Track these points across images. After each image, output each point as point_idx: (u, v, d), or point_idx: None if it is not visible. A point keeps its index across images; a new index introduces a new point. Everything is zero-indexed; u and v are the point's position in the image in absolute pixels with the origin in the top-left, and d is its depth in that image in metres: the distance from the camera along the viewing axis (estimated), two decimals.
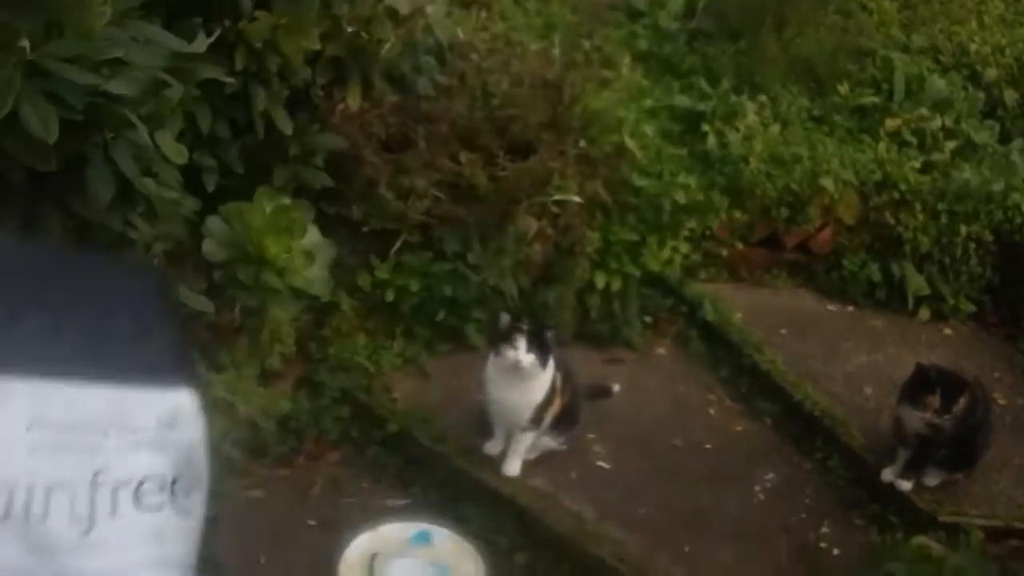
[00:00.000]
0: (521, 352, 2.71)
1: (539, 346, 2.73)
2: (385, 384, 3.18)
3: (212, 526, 1.87)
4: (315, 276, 2.75)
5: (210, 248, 2.62)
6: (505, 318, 2.81)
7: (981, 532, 2.77)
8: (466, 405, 3.16)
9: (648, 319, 3.76)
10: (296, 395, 3.05)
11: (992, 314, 4.03)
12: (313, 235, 2.83)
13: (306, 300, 3.02)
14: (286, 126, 2.87)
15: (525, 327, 2.75)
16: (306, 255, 2.68)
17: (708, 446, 3.16)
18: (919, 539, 2.74)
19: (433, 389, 3.23)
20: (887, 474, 2.94)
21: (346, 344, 3.21)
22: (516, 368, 2.71)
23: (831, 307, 3.99)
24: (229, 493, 2.75)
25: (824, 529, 2.88)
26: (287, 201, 2.81)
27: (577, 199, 3.54)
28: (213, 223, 2.66)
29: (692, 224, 3.84)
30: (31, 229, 1.81)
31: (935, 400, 2.77)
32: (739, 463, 3.10)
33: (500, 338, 2.77)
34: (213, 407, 2.65)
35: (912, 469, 2.91)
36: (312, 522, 2.75)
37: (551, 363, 2.81)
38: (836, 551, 2.80)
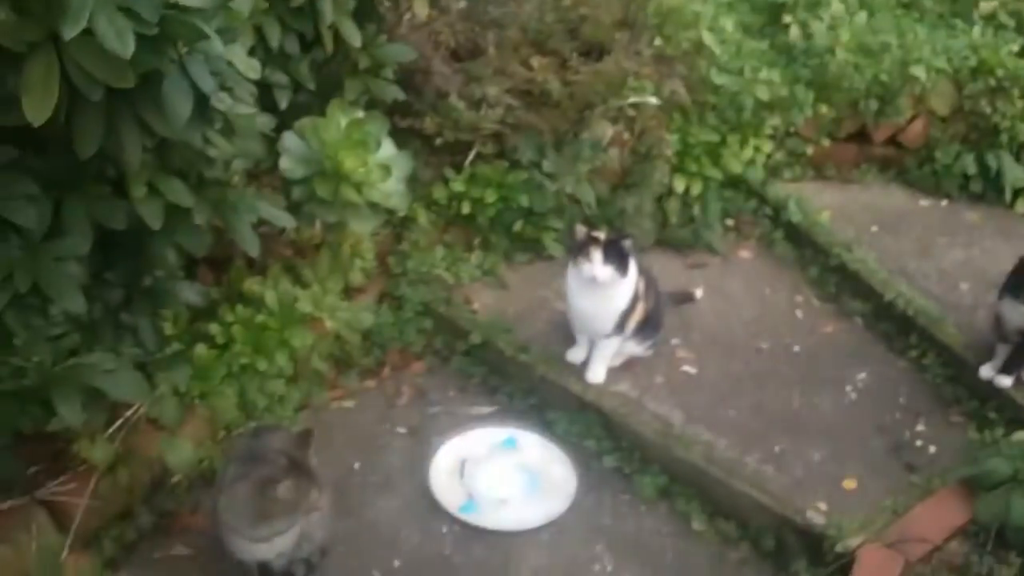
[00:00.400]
0: (597, 265, 2.66)
1: (617, 256, 2.68)
2: (465, 296, 3.18)
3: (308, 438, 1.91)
4: (392, 190, 2.74)
5: (287, 164, 2.62)
6: (581, 229, 2.75)
7: None
8: (547, 314, 3.15)
9: (730, 222, 3.66)
10: (378, 309, 3.07)
11: None
12: (388, 148, 2.81)
13: (384, 214, 3.02)
14: (355, 38, 2.83)
15: (602, 238, 2.69)
16: (382, 168, 2.66)
17: (796, 348, 3.09)
18: (1020, 435, 2.64)
19: (513, 299, 3.22)
20: (986, 371, 2.83)
21: (425, 257, 3.21)
22: (593, 281, 2.67)
23: (924, 202, 3.82)
24: (321, 405, 2.82)
25: (919, 427, 2.80)
26: (360, 114, 2.79)
27: (654, 100, 3.43)
28: (288, 139, 2.65)
29: (775, 122, 3.69)
30: (111, 148, 1.83)
31: None
32: (829, 364, 3.03)
33: (577, 250, 2.72)
34: (300, 323, 2.70)
35: (1012, 365, 2.79)
36: (401, 430, 2.80)
37: (632, 270, 2.75)
38: (932, 449, 2.72)
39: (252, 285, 2.79)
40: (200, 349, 2.64)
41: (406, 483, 2.62)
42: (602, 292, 2.72)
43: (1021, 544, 2.33)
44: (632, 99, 3.41)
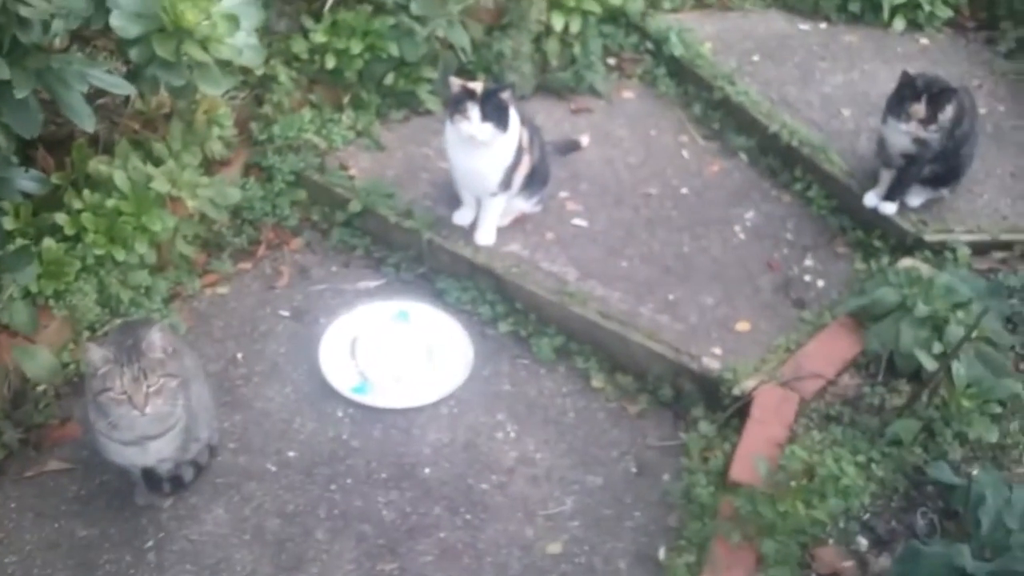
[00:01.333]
0: (475, 123, 2.49)
1: (496, 110, 2.50)
2: (340, 161, 2.96)
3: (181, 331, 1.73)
4: (243, 44, 2.43)
5: (118, 22, 2.27)
6: (455, 82, 2.54)
7: (967, 248, 2.72)
8: (429, 175, 2.98)
9: (612, 61, 3.50)
10: (246, 183, 2.83)
11: (969, 19, 3.80)
12: None
13: (238, 74, 2.72)
14: None
15: (478, 91, 2.50)
16: (229, 20, 2.35)
17: (684, 191, 3.03)
18: (906, 261, 2.69)
19: (391, 161, 3.02)
20: (870, 198, 2.84)
21: (291, 121, 2.95)
22: (472, 139, 2.50)
23: (803, 26, 3.73)
24: (193, 294, 2.62)
25: (808, 262, 2.82)
26: None
27: None
28: None
29: None
30: None
31: (921, 109, 2.62)
32: (717, 204, 2.99)
33: (453, 105, 2.53)
34: (157, 204, 2.45)
35: (896, 190, 2.81)
36: (284, 312, 2.64)
37: (514, 122, 2.59)
38: (821, 283, 2.75)
39: (98, 166, 2.50)
40: (48, 243, 2.37)
41: (294, 369, 2.49)
42: (484, 148, 2.56)
43: (910, 371, 2.40)
44: None
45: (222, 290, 2.67)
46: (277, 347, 2.54)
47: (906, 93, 2.66)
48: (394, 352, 2.55)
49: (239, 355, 2.51)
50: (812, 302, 2.69)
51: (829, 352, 2.51)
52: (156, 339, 1.91)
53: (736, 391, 2.39)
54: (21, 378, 2.27)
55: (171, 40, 2.33)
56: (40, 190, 2.23)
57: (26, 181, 2.17)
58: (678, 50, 3.43)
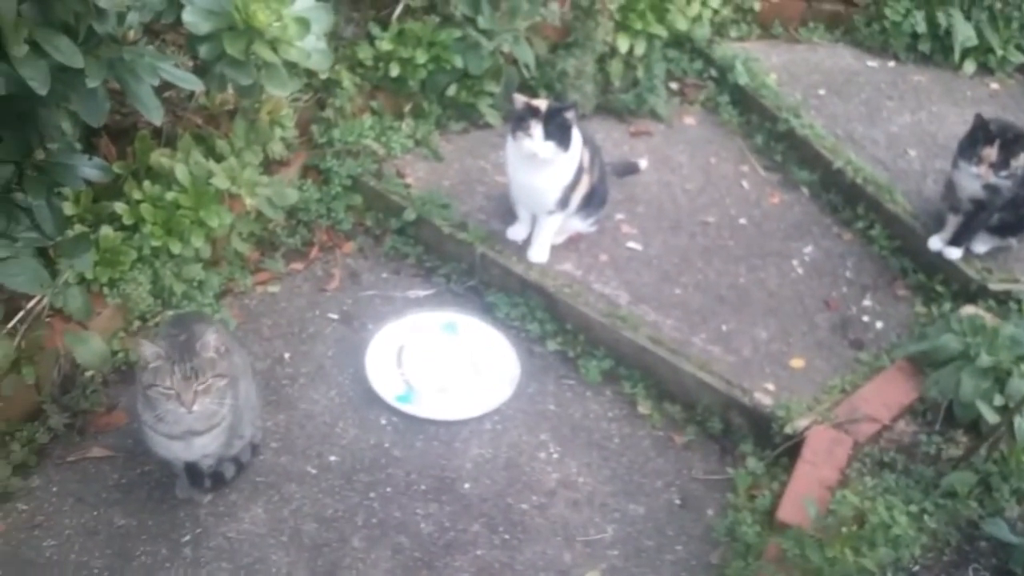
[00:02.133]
0: (537, 140, 2.47)
1: (558, 129, 2.48)
2: (397, 168, 2.96)
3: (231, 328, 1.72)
4: (311, 47, 2.44)
5: (191, 18, 2.29)
6: (520, 99, 2.52)
7: None
8: (485, 188, 2.96)
9: (674, 86, 3.48)
10: (303, 184, 2.83)
11: None
12: (305, 1, 2.50)
13: (303, 77, 2.74)
14: None
15: (542, 108, 2.47)
16: (299, 23, 2.36)
17: (743, 221, 2.98)
18: (969, 308, 2.61)
19: (448, 172, 3.01)
20: (935, 242, 2.78)
21: (351, 126, 2.96)
22: (534, 157, 2.48)
23: (871, 63, 3.69)
24: (244, 291, 2.62)
25: (866, 302, 2.75)
26: None
27: None
28: None
29: None
30: None
31: (993, 153, 2.56)
32: (776, 237, 2.94)
33: (515, 122, 2.51)
34: (216, 200, 2.46)
35: (962, 236, 2.74)
36: (333, 316, 2.62)
37: (576, 141, 2.57)
38: (879, 324, 2.69)
39: (160, 159, 2.52)
40: (106, 232, 2.39)
41: (340, 373, 2.47)
42: (544, 166, 2.54)
43: (969, 422, 2.33)
44: None
45: (273, 289, 2.67)
46: (324, 350, 2.52)
47: (979, 136, 2.60)
48: (441, 363, 2.53)
49: (286, 355, 2.50)
50: (870, 343, 2.63)
51: (886, 396, 2.44)
52: (211, 340, 1.90)
53: (788, 429, 2.33)
54: (71, 363, 2.28)
55: (241, 39, 2.35)
56: (102, 178, 2.23)
57: (89, 169, 2.18)
58: (743, 79, 3.39)
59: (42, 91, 1.80)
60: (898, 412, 2.40)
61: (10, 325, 2.20)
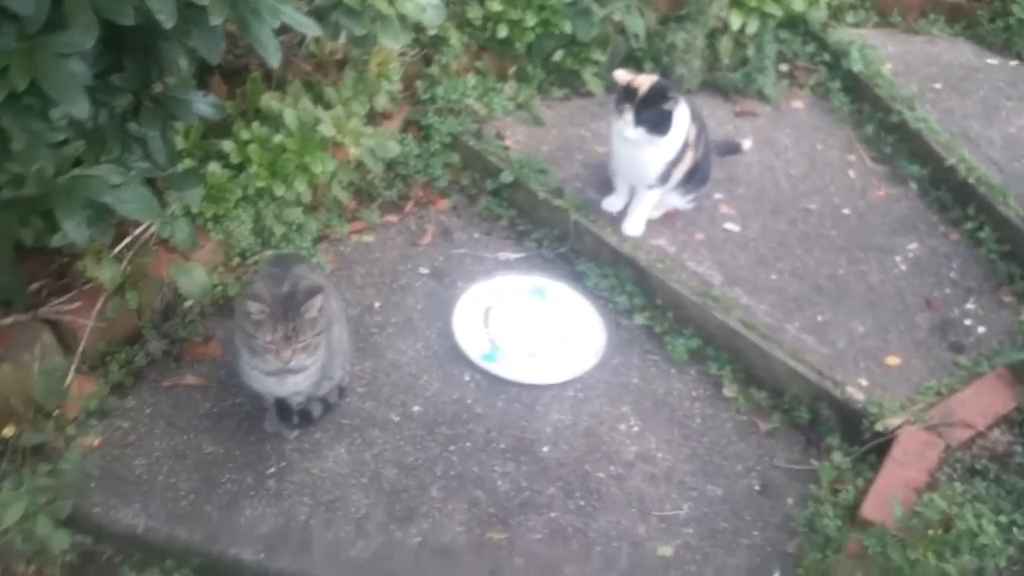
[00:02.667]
0: (628, 126, 2.44)
1: (654, 116, 2.44)
2: (497, 130, 2.95)
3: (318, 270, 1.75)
4: (426, 2, 2.45)
5: None
6: (620, 77, 2.47)
7: None
8: (583, 156, 2.94)
9: (784, 68, 3.39)
10: (403, 139, 2.85)
11: None
12: None
13: (413, 32, 2.74)
14: None
15: (639, 92, 2.42)
16: None
17: (846, 211, 2.90)
18: None
19: (547, 138, 2.99)
20: None
21: (455, 85, 2.96)
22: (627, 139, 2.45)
23: (992, 60, 3.54)
24: (340, 238, 2.66)
25: (969, 305, 2.65)
26: None
27: None
28: None
29: None
30: None
31: None
32: (880, 231, 2.85)
33: (615, 99, 2.47)
34: (321, 147, 2.49)
35: None
36: (424, 270, 2.64)
37: (684, 116, 2.52)
38: (981, 329, 2.59)
39: (270, 102, 2.56)
40: (213, 168, 2.44)
41: (428, 327, 2.49)
42: (648, 143, 2.50)
43: None
44: None
45: (367, 239, 2.70)
46: (414, 302, 2.55)
47: None
48: (527, 326, 2.53)
49: (376, 304, 2.53)
50: (970, 348, 2.53)
51: (982, 403, 2.35)
52: (317, 303, 1.94)
53: (879, 427, 2.26)
54: (173, 292, 2.34)
55: None
56: (215, 115, 2.26)
57: (204, 105, 2.21)
58: (857, 66, 3.29)
59: (168, 24, 1.83)
60: (994, 420, 2.32)
61: (117, 250, 2.27)
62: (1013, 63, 3.54)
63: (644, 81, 2.47)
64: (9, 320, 2.15)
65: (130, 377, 2.27)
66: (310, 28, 2.23)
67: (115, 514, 2.02)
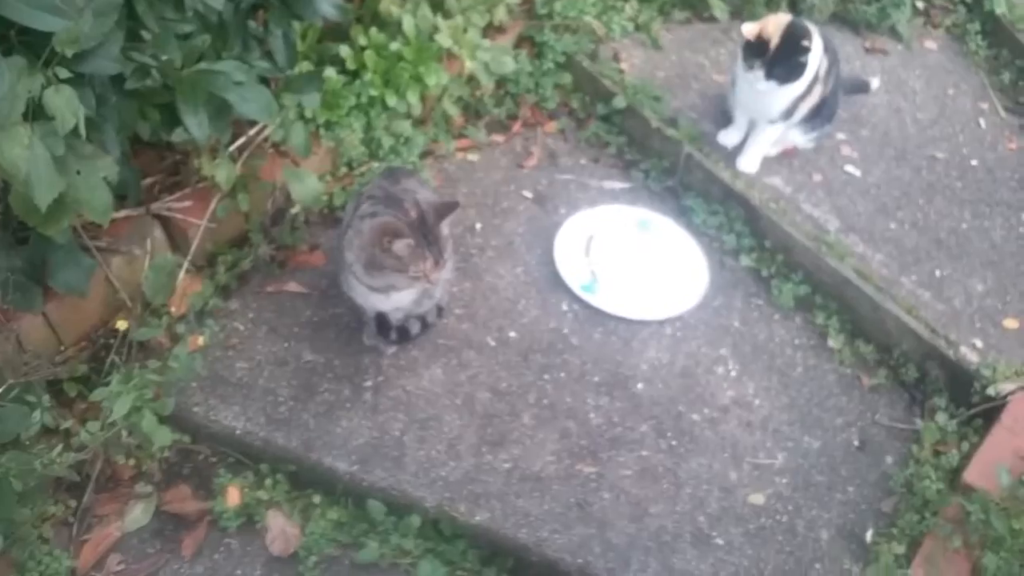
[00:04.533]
0: (760, 81, 2.32)
1: (787, 68, 2.31)
2: (614, 52, 2.84)
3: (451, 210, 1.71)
4: None
5: None
6: (748, 31, 2.32)
7: None
8: (700, 86, 2.82)
9: (920, 5, 3.17)
10: (516, 55, 2.77)
11: None
12: None
13: None
14: None
15: (771, 45, 2.28)
16: None
17: (974, 162, 2.74)
18: None
19: (665, 63, 2.87)
20: None
21: (574, 1, 2.84)
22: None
23: None
24: (446, 154, 2.62)
25: None
26: None
27: None
28: None
29: None
30: None
31: None
32: (1009, 186, 2.69)
33: (743, 51, 2.35)
34: (436, 58, 2.43)
35: None
36: (527, 194, 2.59)
37: (817, 48, 2.38)
38: None
39: (390, 7, 2.50)
40: (330, 74, 2.41)
41: (528, 252, 2.45)
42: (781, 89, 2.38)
43: None
44: None
45: (472, 157, 2.65)
46: (515, 226, 2.51)
47: None
48: (629, 259, 2.47)
49: (478, 225, 2.50)
50: None
51: None
52: (446, 225, 1.95)
53: (991, 391, 2.17)
54: (284, 197, 2.35)
55: None
56: (338, 16, 2.22)
57: (327, 5, 2.17)
58: (1000, 8, 3.07)
59: None
60: None
61: (231, 150, 2.28)
62: None
63: (775, 31, 2.32)
64: (123, 214, 2.18)
65: (235, 280, 2.30)
66: None
67: (215, 415, 2.07)
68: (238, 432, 2.04)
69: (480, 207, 2.55)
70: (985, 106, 2.93)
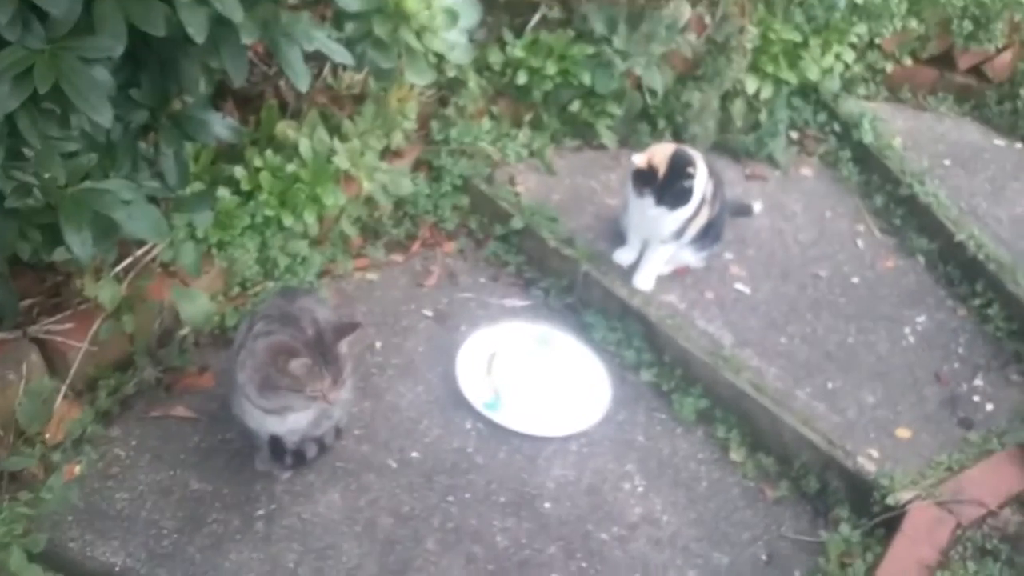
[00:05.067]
0: (651, 207, 2.44)
1: (675, 194, 2.43)
2: (510, 176, 2.91)
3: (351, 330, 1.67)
4: (455, 41, 2.43)
5: None
6: (638, 159, 2.44)
7: None
8: (594, 208, 2.90)
9: (795, 134, 3.39)
10: (415, 178, 2.80)
11: None
12: None
13: (441, 68, 2.71)
14: None
15: (658, 174, 2.40)
16: (449, 14, 2.35)
17: (855, 280, 2.87)
18: None
19: (559, 187, 2.95)
20: None
21: (470, 127, 2.92)
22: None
23: (999, 142, 3.57)
24: (344, 274, 2.59)
25: (977, 382, 2.62)
26: None
27: None
28: None
29: (861, 29, 3.38)
30: None
31: None
32: (888, 302, 2.82)
33: (632, 179, 2.47)
34: (333, 180, 2.43)
35: None
36: (428, 312, 2.57)
37: (702, 174, 2.49)
38: (989, 406, 2.55)
39: (286, 130, 2.50)
40: (223, 193, 2.37)
41: (430, 371, 2.41)
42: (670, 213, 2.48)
43: None
44: None
45: (371, 276, 2.63)
46: (416, 344, 2.47)
47: None
48: (532, 376, 2.45)
49: (378, 344, 2.45)
50: (979, 424, 2.50)
51: (993, 481, 2.30)
52: (346, 343, 1.90)
53: (890, 500, 2.20)
54: (172, 318, 2.25)
55: (390, 22, 2.34)
56: (232, 138, 2.20)
57: (222, 127, 2.15)
58: (868, 137, 3.30)
59: (199, 39, 1.77)
60: (1005, 499, 2.27)
61: (116, 270, 2.19)
62: (1019, 145, 3.57)
63: (661, 160, 2.44)
64: None
65: (117, 405, 2.17)
66: (343, 56, 2.17)
67: (92, 550, 1.91)
68: (117, 569, 1.89)
69: (380, 326, 2.50)
70: (861, 227, 3.10)
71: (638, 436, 2.38)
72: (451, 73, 2.87)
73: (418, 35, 2.35)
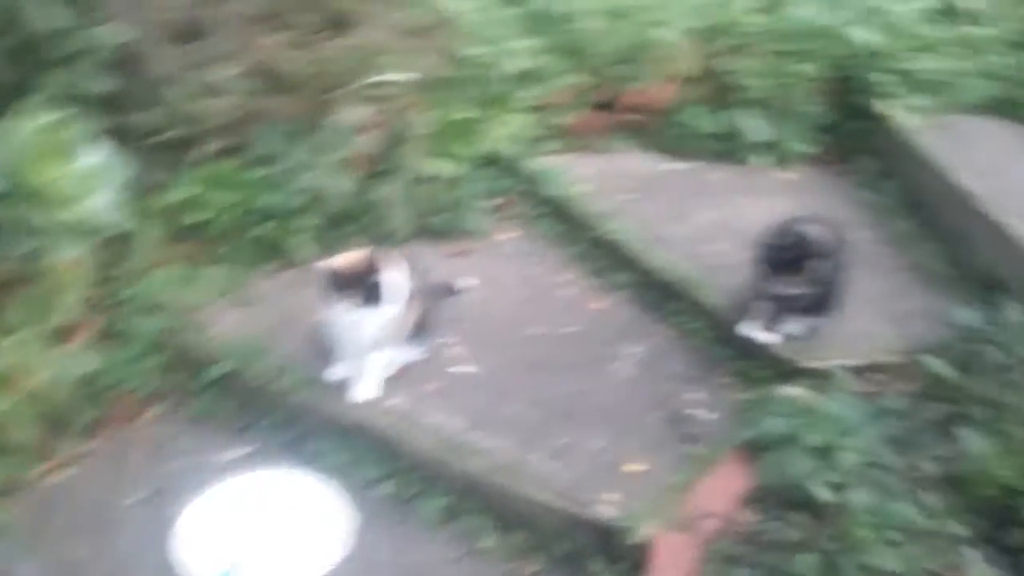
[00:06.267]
0: (342, 313, 2.42)
1: (367, 289, 2.42)
2: (203, 320, 2.79)
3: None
4: (101, 204, 2.31)
5: None
6: (322, 266, 2.45)
7: (847, 372, 2.71)
8: (302, 328, 2.83)
9: (492, 203, 3.50)
10: (97, 351, 2.61)
11: (829, 153, 3.97)
12: (95, 154, 2.38)
13: (95, 234, 2.57)
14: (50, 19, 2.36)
15: (344, 274, 2.41)
16: (85, 180, 2.23)
17: (570, 329, 2.97)
18: (786, 389, 2.65)
19: (262, 316, 2.87)
20: (743, 328, 2.82)
21: (152, 280, 2.79)
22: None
23: (673, 165, 3.83)
24: (31, 483, 2.35)
25: (694, 395, 2.76)
26: (55, 116, 2.33)
27: (407, 77, 3.17)
28: None
29: (529, 93, 3.56)
30: None
31: (789, 267, 2.65)
32: (603, 342, 2.93)
33: (322, 288, 2.45)
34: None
35: (773, 322, 2.81)
36: (140, 495, 2.38)
37: (401, 274, 2.49)
38: (711, 415, 2.69)
39: None
40: None
41: (146, 563, 2.22)
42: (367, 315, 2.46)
43: (804, 502, 2.33)
44: (383, 76, 3.13)
45: (66, 474, 2.40)
46: (127, 539, 2.28)
47: (773, 252, 2.68)
48: (266, 529, 2.33)
49: (82, 553, 2.23)
50: (704, 436, 2.62)
51: (724, 488, 2.42)
52: None
53: (636, 539, 2.25)
54: None
55: (18, 203, 2.20)
56: None
57: None
58: (556, 191, 3.46)
59: None
60: (739, 503, 2.38)
61: None
62: (690, 165, 3.84)
63: (345, 264, 2.44)
64: None
65: None
66: None
67: None
68: None
69: (83, 531, 2.29)
70: (569, 276, 3.22)
71: (385, 556, 2.31)
72: (115, 231, 2.74)
73: (55, 209, 2.21)
